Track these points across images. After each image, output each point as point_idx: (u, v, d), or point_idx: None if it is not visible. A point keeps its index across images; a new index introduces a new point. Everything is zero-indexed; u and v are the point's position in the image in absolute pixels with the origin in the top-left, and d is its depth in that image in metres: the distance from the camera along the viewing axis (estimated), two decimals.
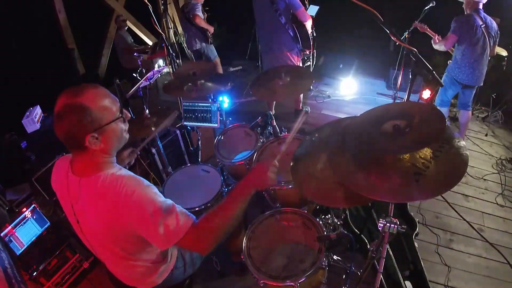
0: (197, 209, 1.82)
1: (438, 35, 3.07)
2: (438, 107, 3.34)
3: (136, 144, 1.66)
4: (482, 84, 3.06)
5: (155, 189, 1.08)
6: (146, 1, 2.35)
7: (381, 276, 1.69)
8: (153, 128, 2.07)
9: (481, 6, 2.80)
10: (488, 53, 2.91)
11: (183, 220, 1.06)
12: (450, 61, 3.18)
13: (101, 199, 1.05)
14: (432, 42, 3.11)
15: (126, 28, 4.92)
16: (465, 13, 2.89)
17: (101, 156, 1.09)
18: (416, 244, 2.26)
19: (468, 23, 2.76)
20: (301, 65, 3.40)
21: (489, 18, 2.83)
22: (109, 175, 1.07)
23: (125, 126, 1.13)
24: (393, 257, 2.14)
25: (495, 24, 2.86)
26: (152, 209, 1.02)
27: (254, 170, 1.22)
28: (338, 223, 2.04)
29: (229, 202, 1.13)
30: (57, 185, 1.21)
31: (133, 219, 1.03)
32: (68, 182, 1.12)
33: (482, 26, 2.77)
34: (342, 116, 3.91)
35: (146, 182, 1.09)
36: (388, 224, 1.19)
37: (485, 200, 2.85)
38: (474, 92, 3.13)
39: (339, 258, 1.87)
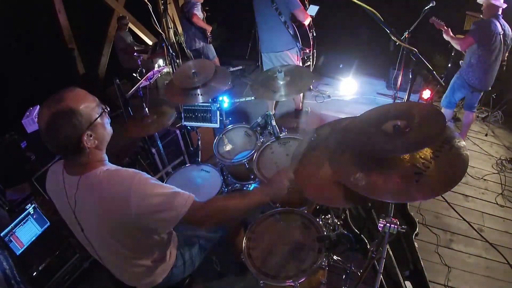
0: None
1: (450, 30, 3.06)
2: (444, 108, 3.35)
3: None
4: (490, 88, 3.07)
5: (150, 176, 1.12)
6: (146, 1, 2.34)
7: (381, 276, 1.68)
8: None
9: (500, 12, 2.76)
10: (500, 58, 2.91)
11: (185, 196, 1.12)
12: (462, 61, 3.17)
13: (102, 193, 1.06)
14: (444, 34, 3.06)
15: (126, 30, 4.94)
16: (484, 17, 2.85)
17: (96, 153, 1.12)
18: (416, 244, 2.26)
19: (489, 29, 2.73)
20: (301, 64, 3.40)
21: (507, 26, 2.80)
22: (106, 170, 1.10)
23: (108, 119, 1.17)
24: (393, 257, 2.14)
25: (510, 31, 2.84)
26: (154, 193, 1.07)
27: (275, 183, 1.30)
28: (338, 223, 2.04)
29: (243, 199, 1.22)
30: (53, 192, 1.21)
31: (138, 207, 1.05)
32: (65, 184, 1.12)
33: (501, 34, 2.75)
34: (342, 116, 3.91)
35: (140, 171, 1.12)
36: (388, 224, 1.19)
37: (485, 200, 2.85)
38: (481, 94, 3.13)
39: (339, 258, 1.87)
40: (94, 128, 1.08)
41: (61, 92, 1.05)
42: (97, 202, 1.07)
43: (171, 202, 1.08)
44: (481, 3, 2.87)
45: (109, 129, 1.17)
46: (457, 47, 2.98)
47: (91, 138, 1.07)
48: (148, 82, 3.33)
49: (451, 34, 3.02)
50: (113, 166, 1.14)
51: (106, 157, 1.17)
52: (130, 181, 1.06)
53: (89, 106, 1.07)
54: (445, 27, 3.08)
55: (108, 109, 1.16)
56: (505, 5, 2.76)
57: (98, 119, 1.09)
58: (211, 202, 1.19)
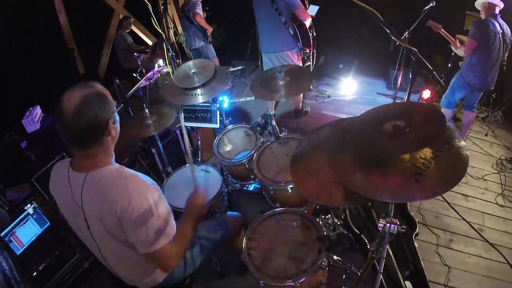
0: None
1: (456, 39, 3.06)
2: (444, 108, 3.34)
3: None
4: (492, 88, 3.07)
5: (157, 192, 1.13)
6: (146, 1, 2.34)
7: (381, 276, 1.68)
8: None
9: (497, 11, 2.77)
10: (500, 58, 2.91)
11: (169, 232, 1.14)
12: (461, 62, 3.17)
13: (107, 191, 1.07)
14: (453, 48, 3.07)
15: (128, 30, 4.94)
16: (482, 17, 2.86)
17: (111, 146, 1.16)
18: (416, 244, 2.27)
19: (487, 29, 2.73)
20: (301, 64, 3.40)
21: (505, 25, 2.81)
22: (114, 169, 1.12)
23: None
24: (393, 257, 2.14)
25: (509, 31, 2.85)
26: (147, 213, 1.07)
27: (191, 207, 1.37)
28: (338, 223, 2.04)
29: (188, 229, 1.29)
30: (57, 190, 1.21)
31: (128, 218, 1.06)
32: (70, 181, 1.12)
33: (500, 33, 2.76)
34: (342, 116, 3.91)
35: (149, 181, 1.13)
36: (388, 224, 1.19)
37: (485, 200, 2.85)
38: (481, 94, 3.13)
39: (339, 258, 1.88)
40: (115, 117, 1.13)
41: (89, 82, 1.10)
42: (101, 199, 1.08)
43: (159, 225, 1.10)
44: (478, 8, 2.88)
45: (119, 127, 1.20)
46: (462, 53, 2.97)
47: (113, 125, 1.11)
48: (148, 82, 3.32)
49: (458, 44, 3.03)
50: (120, 167, 1.15)
51: (114, 155, 1.19)
52: (135, 185, 1.08)
53: (111, 98, 1.13)
54: (442, 30, 3.09)
55: (121, 108, 1.20)
56: (502, 4, 2.76)
57: (116, 112, 1.14)
58: (178, 241, 1.20)
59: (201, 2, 4.27)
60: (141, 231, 1.08)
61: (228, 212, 1.85)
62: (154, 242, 1.11)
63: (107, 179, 1.08)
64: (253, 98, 4.13)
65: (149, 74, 3.27)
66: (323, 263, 1.48)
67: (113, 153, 1.18)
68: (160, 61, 4.91)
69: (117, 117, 1.17)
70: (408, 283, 2.04)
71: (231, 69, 5.11)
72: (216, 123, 2.42)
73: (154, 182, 1.16)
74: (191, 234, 1.29)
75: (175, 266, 1.22)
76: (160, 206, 1.11)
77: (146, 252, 1.12)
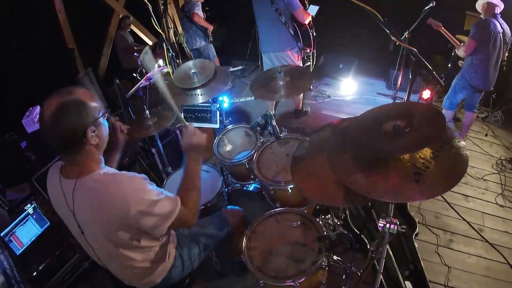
0: None
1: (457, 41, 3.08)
2: (446, 110, 3.34)
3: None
4: (492, 88, 3.07)
5: (146, 179, 1.14)
6: (146, 1, 2.34)
7: (381, 276, 1.69)
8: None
9: (498, 11, 2.78)
10: (501, 58, 2.92)
11: (174, 199, 1.17)
12: (461, 62, 3.17)
13: (99, 197, 1.07)
14: (456, 51, 3.08)
15: (128, 29, 4.94)
16: (483, 17, 2.87)
17: (95, 153, 1.13)
18: (416, 244, 2.27)
19: (488, 29, 2.73)
20: (301, 64, 3.40)
21: (506, 25, 2.81)
22: (102, 173, 1.10)
23: (107, 123, 1.19)
24: (393, 257, 2.14)
25: (510, 30, 2.86)
26: (151, 199, 1.09)
27: (187, 140, 1.35)
28: (338, 223, 2.04)
29: (190, 175, 1.31)
30: (53, 195, 1.21)
31: (136, 211, 1.06)
32: (62, 187, 1.12)
33: (500, 33, 2.76)
34: (342, 116, 3.91)
35: (136, 174, 1.13)
36: (388, 224, 1.19)
37: (485, 200, 2.85)
38: (482, 94, 3.13)
39: (339, 258, 1.88)
40: (98, 125, 1.10)
41: (70, 87, 1.07)
42: (94, 205, 1.07)
43: (165, 206, 1.12)
44: (478, 9, 2.89)
45: (107, 131, 1.18)
46: (463, 53, 2.97)
47: (94, 134, 1.08)
48: (148, 82, 3.32)
49: (459, 43, 3.04)
50: (110, 170, 1.14)
51: (103, 160, 1.17)
52: (128, 185, 1.07)
53: (95, 104, 1.10)
54: (442, 28, 3.09)
55: (109, 112, 1.18)
56: (502, 5, 2.76)
57: (101, 118, 1.11)
58: (187, 198, 1.23)
59: (201, 2, 4.28)
60: (149, 219, 1.09)
61: (229, 206, 1.85)
62: (166, 219, 1.13)
63: (97, 185, 1.07)
64: (253, 98, 4.13)
65: (149, 74, 3.27)
66: (323, 263, 1.48)
67: (102, 158, 1.17)
68: (160, 61, 4.91)
69: (104, 123, 1.14)
70: (408, 283, 2.04)
71: (231, 69, 5.11)
72: (216, 123, 2.42)
73: (142, 174, 1.15)
74: (197, 180, 1.30)
75: (195, 220, 1.25)
76: (154, 191, 1.12)
77: (166, 227, 1.15)
